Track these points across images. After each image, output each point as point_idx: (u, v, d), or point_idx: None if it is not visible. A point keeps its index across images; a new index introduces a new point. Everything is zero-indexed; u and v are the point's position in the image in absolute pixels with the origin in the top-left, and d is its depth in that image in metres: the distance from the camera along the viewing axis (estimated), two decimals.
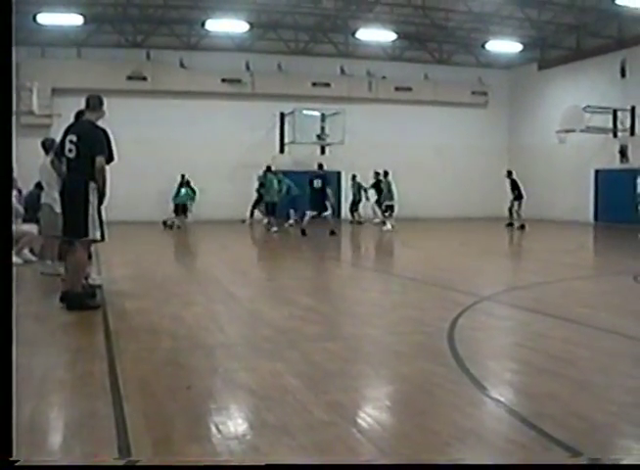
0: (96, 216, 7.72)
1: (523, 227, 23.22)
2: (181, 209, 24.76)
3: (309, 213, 20.28)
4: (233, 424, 4.12)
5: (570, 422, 4.10)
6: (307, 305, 8.54)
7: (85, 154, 7.59)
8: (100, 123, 7.90)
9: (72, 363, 5.48)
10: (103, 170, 7.62)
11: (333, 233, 19.84)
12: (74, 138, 7.70)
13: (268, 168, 24.48)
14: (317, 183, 20.03)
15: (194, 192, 25.51)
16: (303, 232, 19.69)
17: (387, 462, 3.68)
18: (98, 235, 7.82)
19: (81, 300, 7.76)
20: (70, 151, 7.69)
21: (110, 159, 7.78)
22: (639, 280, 10.62)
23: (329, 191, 20.20)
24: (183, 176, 25.44)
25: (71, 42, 25.96)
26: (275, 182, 23.20)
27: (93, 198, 7.65)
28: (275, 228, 21.87)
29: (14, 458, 2.64)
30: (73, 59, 26.17)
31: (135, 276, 11.10)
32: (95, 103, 7.95)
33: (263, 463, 3.46)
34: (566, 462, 3.55)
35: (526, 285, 10.33)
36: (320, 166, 21.36)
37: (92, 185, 7.62)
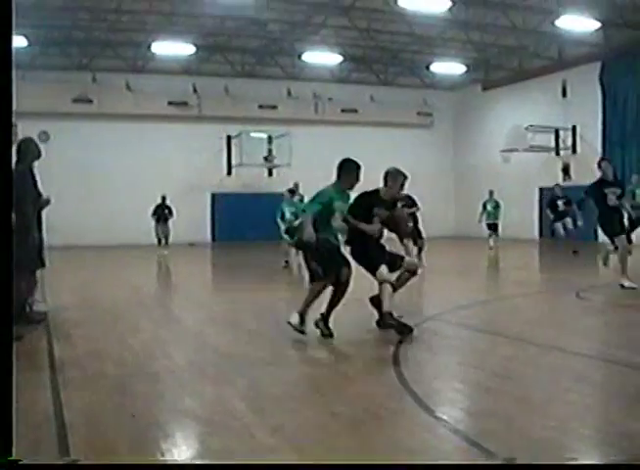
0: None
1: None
2: None
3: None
4: (177, 451, 4.12)
5: (510, 438, 4.20)
6: (252, 328, 8.54)
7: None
8: (44, 147, 8.09)
9: (15, 392, 5.40)
10: None
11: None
12: None
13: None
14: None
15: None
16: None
17: (383, 462, 3.78)
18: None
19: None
20: None
21: None
22: (581, 296, 10.84)
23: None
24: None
25: (15, 64, 25.46)
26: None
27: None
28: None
29: (14, 458, 2.64)
30: (17, 81, 25.46)
31: (82, 302, 10.96)
32: None
33: (264, 463, 3.46)
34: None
35: (471, 303, 10.47)
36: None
37: None
